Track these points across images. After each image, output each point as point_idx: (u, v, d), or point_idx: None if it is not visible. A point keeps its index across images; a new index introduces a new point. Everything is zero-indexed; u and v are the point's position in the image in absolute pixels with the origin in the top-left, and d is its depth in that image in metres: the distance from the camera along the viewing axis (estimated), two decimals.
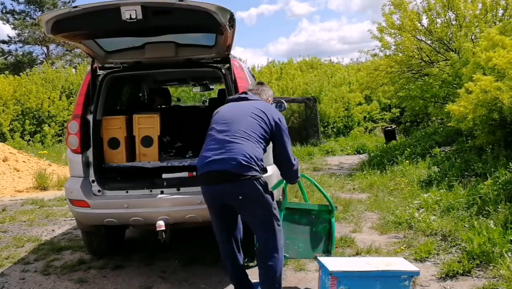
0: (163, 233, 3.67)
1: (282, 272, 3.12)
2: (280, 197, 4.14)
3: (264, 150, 3.19)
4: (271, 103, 3.63)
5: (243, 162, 2.95)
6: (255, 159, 3.01)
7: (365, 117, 20.09)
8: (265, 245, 3.12)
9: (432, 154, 8.43)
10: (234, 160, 2.96)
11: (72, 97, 18.84)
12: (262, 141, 3.15)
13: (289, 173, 3.43)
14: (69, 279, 4.09)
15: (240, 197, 3.02)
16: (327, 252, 3.72)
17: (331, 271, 2.76)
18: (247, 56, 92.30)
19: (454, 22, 10.18)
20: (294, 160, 3.38)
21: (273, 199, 3.16)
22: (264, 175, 3.86)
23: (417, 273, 2.87)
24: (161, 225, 3.66)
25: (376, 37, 10.96)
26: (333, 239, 3.82)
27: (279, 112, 3.38)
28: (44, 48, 37.25)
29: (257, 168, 3.02)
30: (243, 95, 3.43)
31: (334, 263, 2.90)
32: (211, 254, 4.44)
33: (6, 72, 22.02)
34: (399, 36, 10.60)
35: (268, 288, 3.09)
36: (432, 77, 10.02)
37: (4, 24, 37.35)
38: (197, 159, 3.21)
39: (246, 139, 3.05)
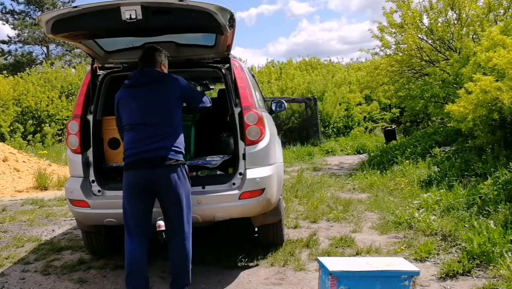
0: (163, 233, 3.67)
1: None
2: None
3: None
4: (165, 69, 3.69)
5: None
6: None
7: (365, 117, 20.10)
8: None
9: (432, 154, 8.43)
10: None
11: (72, 97, 18.85)
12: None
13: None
14: (69, 279, 4.09)
15: None
16: None
17: (331, 271, 2.76)
18: (247, 56, 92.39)
19: (455, 22, 10.19)
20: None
21: None
22: (263, 175, 3.85)
23: (417, 273, 2.87)
24: (161, 225, 3.65)
25: (377, 36, 10.97)
26: None
27: None
28: (44, 48, 37.30)
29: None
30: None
31: (334, 263, 2.90)
32: (211, 254, 4.44)
33: (5, 72, 22.01)
34: (400, 35, 10.61)
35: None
36: (432, 77, 10.03)
37: (4, 24, 37.35)
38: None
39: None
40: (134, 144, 3.38)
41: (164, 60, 3.62)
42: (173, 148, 3.35)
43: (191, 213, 3.48)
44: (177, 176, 3.33)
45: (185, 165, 3.46)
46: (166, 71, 3.62)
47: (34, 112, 17.82)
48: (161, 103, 3.41)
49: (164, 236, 3.68)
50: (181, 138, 3.45)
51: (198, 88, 7.60)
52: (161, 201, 3.40)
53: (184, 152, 3.47)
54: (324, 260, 2.99)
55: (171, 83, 3.49)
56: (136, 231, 3.38)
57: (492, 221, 4.38)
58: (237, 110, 3.95)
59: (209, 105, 3.77)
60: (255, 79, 5.47)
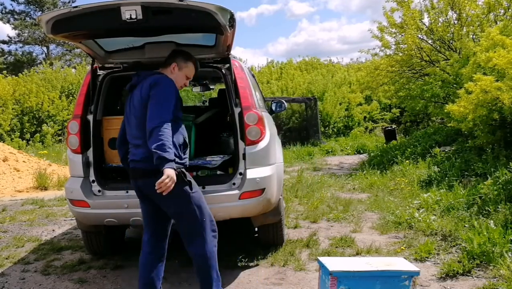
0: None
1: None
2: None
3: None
4: (175, 69, 3.29)
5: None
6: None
7: (365, 117, 20.11)
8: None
9: (432, 154, 8.43)
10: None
11: (72, 97, 18.86)
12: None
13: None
14: (69, 279, 4.09)
15: None
16: None
17: (331, 271, 2.76)
18: (247, 56, 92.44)
19: (455, 22, 10.19)
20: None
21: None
22: (263, 175, 3.84)
23: (417, 273, 2.87)
24: None
25: (377, 36, 10.98)
26: None
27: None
28: (44, 48, 37.31)
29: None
30: None
31: (334, 263, 2.90)
32: None
33: (5, 72, 22.02)
34: (400, 35, 10.61)
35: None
36: (432, 77, 10.03)
37: (4, 24, 37.36)
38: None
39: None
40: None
41: (179, 61, 3.30)
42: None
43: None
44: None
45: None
46: (174, 74, 3.28)
47: (34, 112, 17.82)
48: (134, 109, 3.19)
49: None
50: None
51: (198, 88, 7.63)
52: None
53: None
54: (324, 260, 2.99)
55: (144, 88, 3.12)
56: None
57: (492, 221, 4.38)
58: (237, 110, 3.95)
59: (151, 128, 2.95)
60: (255, 79, 5.47)
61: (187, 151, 3.25)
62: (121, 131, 3.45)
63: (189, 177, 3.08)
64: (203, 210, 3.14)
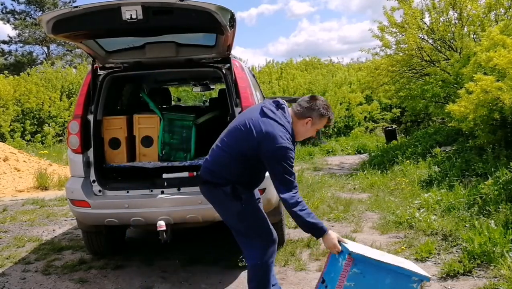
0: (164, 233, 3.67)
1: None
2: None
3: (244, 168, 2.91)
4: (308, 124, 2.94)
5: (210, 173, 2.96)
6: (223, 173, 2.91)
7: (365, 117, 20.08)
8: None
9: (433, 154, 8.43)
10: (206, 168, 2.99)
11: (73, 97, 18.86)
12: (240, 158, 2.88)
13: (287, 211, 2.81)
14: (70, 279, 4.09)
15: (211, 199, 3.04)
16: None
17: (351, 251, 2.73)
18: (247, 56, 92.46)
19: (456, 21, 10.19)
20: (290, 196, 2.73)
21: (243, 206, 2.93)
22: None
23: (427, 279, 2.85)
24: (161, 225, 3.66)
25: (377, 36, 10.96)
26: None
27: (274, 136, 2.73)
28: (45, 48, 37.30)
29: (222, 180, 2.91)
30: (267, 105, 2.94)
31: (353, 246, 2.87)
32: (211, 254, 4.44)
33: (6, 72, 22.01)
34: (401, 35, 10.61)
35: None
36: (433, 76, 10.03)
37: (5, 24, 37.34)
38: None
39: (224, 150, 2.94)
40: None
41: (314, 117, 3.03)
42: None
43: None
44: None
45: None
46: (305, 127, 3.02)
47: (35, 112, 17.82)
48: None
49: (165, 236, 3.69)
50: None
51: (198, 88, 7.64)
52: None
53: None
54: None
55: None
56: None
57: (493, 221, 4.38)
58: (237, 110, 3.95)
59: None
60: (255, 79, 5.47)
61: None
62: None
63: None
64: None
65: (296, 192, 2.76)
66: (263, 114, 2.85)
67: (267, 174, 3.67)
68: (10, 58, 36.54)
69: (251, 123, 2.84)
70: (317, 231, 2.78)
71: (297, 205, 2.72)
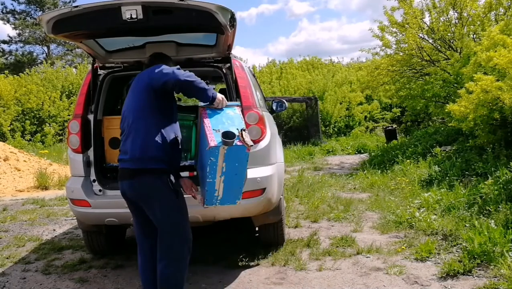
0: None
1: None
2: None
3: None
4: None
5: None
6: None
7: (366, 116, 20.10)
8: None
9: (433, 154, 8.43)
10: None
11: (73, 97, 18.87)
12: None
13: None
14: (70, 278, 4.09)
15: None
16: None
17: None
18: (247, 55, 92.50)
19: (456, 21, 10.19)
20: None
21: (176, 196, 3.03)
22: (264, 175, 3.84)
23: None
24: None
25: (377, 35, 10.97)
26: None
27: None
28: (45, 48, 37.33)
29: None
30: None
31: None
32: (211, 253, 4.44)
33: (6, 71, 22.03)
34: (401, 35, 10.61)
35: None
36: (433, 76, 10.03)
37: (5, 24, 37.43)
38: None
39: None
40: None
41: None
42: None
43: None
44: None
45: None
46: None
47: (35, 112, 17.83)
48: None
49: None
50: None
51: None
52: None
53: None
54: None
55: None
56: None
57: (493, 221, 4.38)
58: None
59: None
60: (256, 79, 5.47)
61: (180, 153, 3.19)
62: None
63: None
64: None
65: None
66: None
67: (267, 174, 3.67)
68: (10, 58, 36.57)
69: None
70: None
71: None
